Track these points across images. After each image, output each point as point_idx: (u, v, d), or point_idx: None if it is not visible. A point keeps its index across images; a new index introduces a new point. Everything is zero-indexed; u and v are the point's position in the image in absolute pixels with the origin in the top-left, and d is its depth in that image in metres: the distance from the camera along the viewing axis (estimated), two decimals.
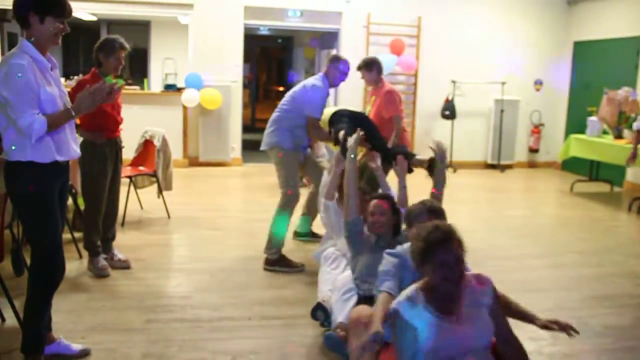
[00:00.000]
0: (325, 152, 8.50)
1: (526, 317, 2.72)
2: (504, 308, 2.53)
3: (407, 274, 2.87)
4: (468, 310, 2.36)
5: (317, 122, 4.82)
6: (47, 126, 2.76)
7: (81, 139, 4.51)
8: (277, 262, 4.69)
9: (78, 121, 4.44)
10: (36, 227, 2.89)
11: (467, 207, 7.16)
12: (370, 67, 5.53)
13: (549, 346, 3.51)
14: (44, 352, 3.02)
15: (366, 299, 3.14)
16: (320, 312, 3.42)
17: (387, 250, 3.06)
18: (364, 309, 2.97)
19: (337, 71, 4.92)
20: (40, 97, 2.77)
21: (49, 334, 3.16)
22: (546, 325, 2.62)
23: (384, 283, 2.86)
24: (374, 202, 3.59)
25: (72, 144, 3.00)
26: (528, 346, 3.38)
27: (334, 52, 9.94)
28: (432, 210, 3.09)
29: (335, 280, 3.57)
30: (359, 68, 5.59)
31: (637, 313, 4.09)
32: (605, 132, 8.07)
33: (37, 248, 2.94)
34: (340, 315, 3.23)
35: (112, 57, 4.29)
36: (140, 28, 12.09)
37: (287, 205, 4.81)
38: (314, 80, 4.91)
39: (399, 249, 3.05)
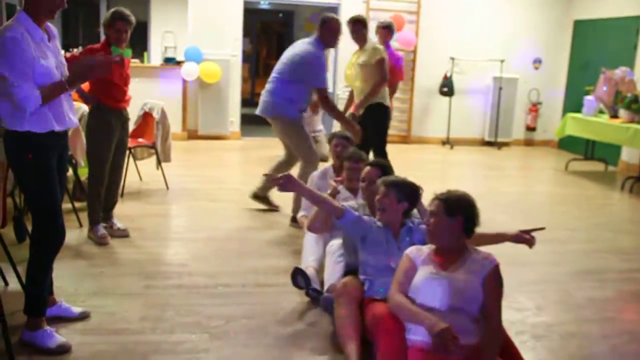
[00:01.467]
0: (322, 127, 8.58)
1: (499, 239, 3.17)
2: (477, 239, 2.86)
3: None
4: (463, 271, 2.63)
5: (326, 92, 5.03)
6: (42, 98, 2.78)
7: (89, 106, 4.59)
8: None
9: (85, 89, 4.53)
10: (35, 194, 2.96)
11: (463, 183, 7.25)
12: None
13: (532, 316, 3.64)
14: (46, 314, 3.13)
15: (352, 271, 3.26)
16: (300, 277, 3.52)
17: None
18: (351, 281, 3.10)
19: (329, 32, 4.99)
20: (35, 70, 2.77)
21: (51, 297, 3.27)
22: (517, 236, 3.09)
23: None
24: (367, 168, 3.57)
25: (69, 114, 3.04)
26: (512, 316, 3.53)
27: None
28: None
29: (331, 245, 3.63)
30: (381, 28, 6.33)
31: (620, 287, 4.21)
32: (601, 112, 8.13)
33: (37, 215, 3.01)
34: (332, 277, 3.35)
35: (112, 29, 4.36)
36: (140, 1, 12.05)
37: (309, 168, 4.95)
38: (310, 47, 4.95)
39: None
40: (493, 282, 2.61)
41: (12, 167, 3.09)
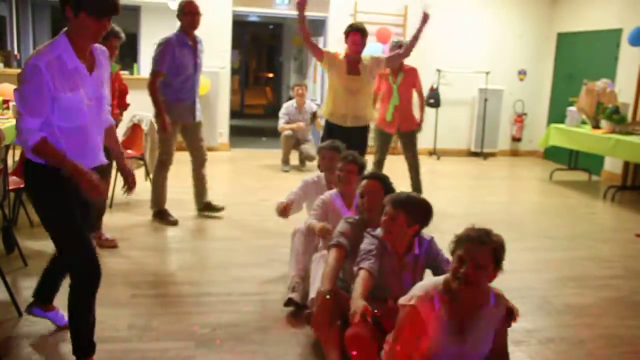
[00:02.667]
0: (311, 138, 8.69)
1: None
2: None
3: (388, 258, 2.98)
4: (478, 332, 2.42)
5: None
6: (41, 152, 2.58)
7: None
8: None
9: None
10: (55, 228, 2.78)
11: (449, 193, 7.37)
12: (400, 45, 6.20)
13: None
14: (39, 314, 3.30)
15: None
16: (293, 305, 3.60)
17: (369, 230, 3.11)
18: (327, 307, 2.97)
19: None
20: (56, 103, 2.54)
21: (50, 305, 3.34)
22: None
23: (365, 262, 2.90)
24: (364, 182, 3.36)
25: (95, 150, 2.82)
26: None
27: (321, 39, 10.08)
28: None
29: (317, 253, 3.67)
30: (393, 47, 6.32)
31: (599, 293, 4.31)
32: (584, 122, 8.28)
33: (61, 251, 2.88)
34: (315, 288, 3.41)
35: (107, 45, 4.41)
36: (130, 12, 12.13)
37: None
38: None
39: (378, 230, 3.06)
40: (505, 325, 2.52)
41: (29, 197, 2.92)
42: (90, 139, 2.76)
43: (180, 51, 5.27)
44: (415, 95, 6.52)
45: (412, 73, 6.43)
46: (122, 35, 4.53)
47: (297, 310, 3.61)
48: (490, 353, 2.50)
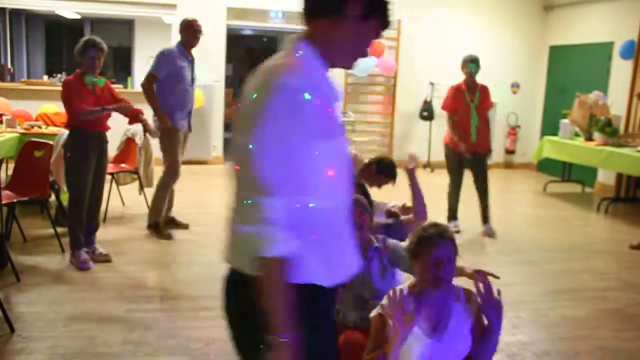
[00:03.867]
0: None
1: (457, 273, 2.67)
2: None
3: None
4: (452, 330, 2.38)
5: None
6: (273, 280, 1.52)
7: (67, 131, 4.66)
8: None
9: (66, 118, 4.59)
10: None
11: (443, 206, 7.36)
12: (478, 61, 6.19)
13: (508, 335, 3.71)
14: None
15: None
16: None
17: None
18: None
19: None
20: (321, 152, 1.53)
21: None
22: (471, 275, 2.64)
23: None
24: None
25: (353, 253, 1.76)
26: None
27: None
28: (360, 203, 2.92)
29: None
30: (464, 62, 6.15)
31: (594, 305, 4.32)
32: (577, 135, 8.32)
33: None
34: None
35: (86, 57, 4.45)
36: (124, 26, 12.19)
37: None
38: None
39: None
40: (479, 319, 2.45)
41: None
42: (344, 239, 1.73)
43: (181, 62, 5.43)
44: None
45: (486, 91, 6.20)
46: (104, 46, 4.54)
47: None
48: (472, 348, 2.45)
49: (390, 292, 2.44)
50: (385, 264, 2.96)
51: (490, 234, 6.14)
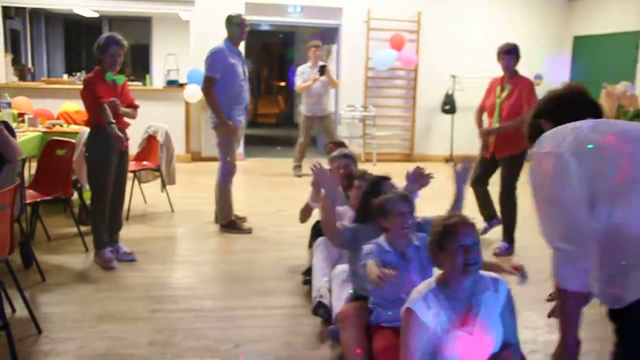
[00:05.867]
0: (331, 113, 8.61)
1: (493, 268, 2.77)
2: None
3: (387, 259, 2.88)
4: (483, 321, 2.34)
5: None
6: None
7: (88, 129, 4.62)
8: None
9: (86, 117, 4.54)
10: None
11: (468, 199, 7.22)
12: (511, 52, 5.22)
13: (544, 334, 3.60)
14: None
15: (362, 296, 3.17)
16: (322, 309, 3.49)
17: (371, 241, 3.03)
18: (355, 305, 3.04)
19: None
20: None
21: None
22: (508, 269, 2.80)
23: (367, 258, 2.86)
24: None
25: None
26: (525, 335, 3.48)
27: (334, 47, 10.03)
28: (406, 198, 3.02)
29: (336, 268, 3.60)
30: (499, 53, 5.26)
31: None
32: None
33: None
34: (338, 304, 3.32)
35: (107, 54, 4.39)
36: (142, 24, 12.17)
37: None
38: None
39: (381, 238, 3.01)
40: (509, 308, 2.44)
41: None
42: None
43: (232, 59, 5.40)
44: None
45: (521, 86, 5.15)
46: (126, 43, 4.47)
47: (324, 324, 3.51)
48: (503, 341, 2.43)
49: (416, 289, 2.44)
50: (425, 263, 2.92)
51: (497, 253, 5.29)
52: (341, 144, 4.81)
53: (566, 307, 2.04)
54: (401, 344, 2.41)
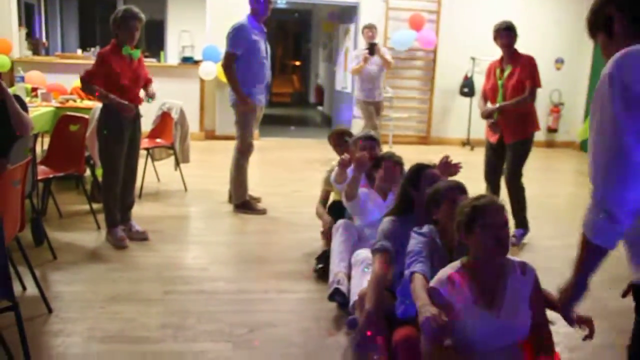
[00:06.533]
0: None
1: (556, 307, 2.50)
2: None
3: (437, 255, 2.73)
4: (509, 303, 2.30)
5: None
6: None
7: (100, 104, 4.53)
8: None
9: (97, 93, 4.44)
10: None
11: (483, 185, 7.11)
12: (511, 28, 4.98)
13: (565, 326, 3.48)
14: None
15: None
16: (338, 296, 3.40)
17: (416, 229, 2.86)
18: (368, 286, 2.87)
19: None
20: None
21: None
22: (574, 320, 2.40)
23: (416, 264, 2.64)
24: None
25: None
26: None
27: (352, 26, 9.84)
28: (462, 187, 2.94)
29: (357, 254, 3.50)
30: (498, 30, 4.97)
31: None
32: None
33: None
34: (358, 291, 3.22)
35: (125, 27, 4.28)
36: (157, 0, 12.05)
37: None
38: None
39: (425, 228, 2.83)
40: (538, 293, 2.39)
41: None
42: None
43: (255, 35, 5.26)
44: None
45: (522, 65, 4.88)
46: (142, 16, 4.36)
47: (341, 309, 3.42)
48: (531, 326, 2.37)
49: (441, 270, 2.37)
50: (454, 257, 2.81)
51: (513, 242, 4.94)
52: (346, 133, 4.68)
53: (587, 259, 1.89)
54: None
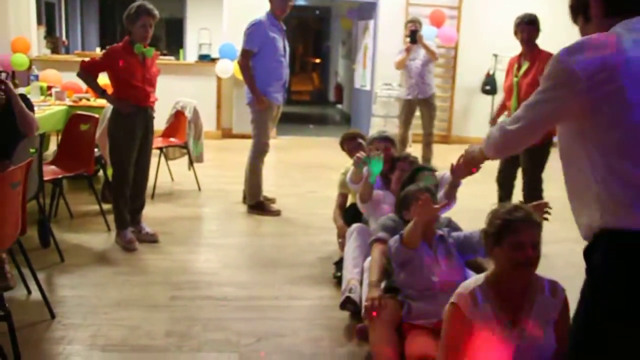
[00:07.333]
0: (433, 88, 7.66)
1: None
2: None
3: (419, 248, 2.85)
4: (534, 326, 2.15)
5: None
6: None
7: (111, 106, 4.44)
8: None
9: (109, 89, 4.35)
10: None
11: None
12: (534, 22, 4.66)
13: None
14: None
15: (393, 289, 2.95)
16: (350, 305, 3.25)
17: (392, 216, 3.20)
18: (385, 303, 2.81)
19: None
20: None
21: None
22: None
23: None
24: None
25: None
26: None
27: (371, 23, 9.67)
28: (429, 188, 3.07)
29: (368, 261, 3.37)
30: (520, 24, 4.66)
31: None
32: None
33: None
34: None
35: (138, 24, 4.16)
36: None
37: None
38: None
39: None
40: (565, 317, 2.18)
41: None
42: None
43: (272, 33, 5.14)
44: None
45: (542, 60, 4.44)
46: (156, 12, 4.22)
47: (353, 318, 3.27)
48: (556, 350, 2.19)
49: (463, 284, 2.27)
50: (452, 251, 2.86)
51: None
52: (358, 136, 4.42)
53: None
54: (441, 341, 2.23)
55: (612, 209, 1.59)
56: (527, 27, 4.62)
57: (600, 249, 1.63)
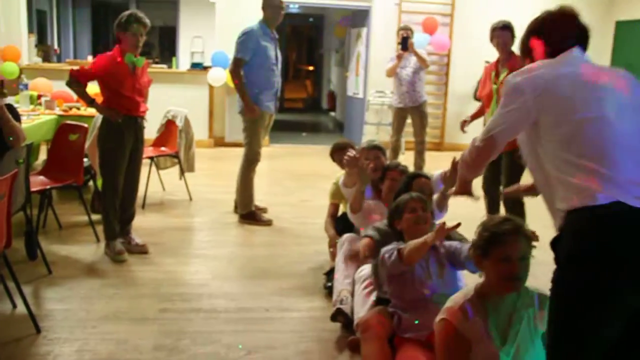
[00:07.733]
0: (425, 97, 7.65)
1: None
2: None
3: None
4: (524, 339, 2.13)
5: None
6: None
7: (101, 116, 4.39)
8: None
9: (99, 98, 4.30)
10: None
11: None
12: (508, 27, 4.64)
13: None
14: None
15: (385, 300, 2.92)
16: (341, 317, 3.22)
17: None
18: (377, 315, 2.80)
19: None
20: None
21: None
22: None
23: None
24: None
25: None
26: None
27: (364, 30, 9.67)
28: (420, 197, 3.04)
29: (361, 270, 3.33)
30: (495, 30, 4.65)
31: None
32: None
33: None
34: (361, 311, 3.03)
35: (128, 33, 4.12)
36: (169, 6, 11.97)
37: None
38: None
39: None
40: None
41: None
42: None
43: (264, 41, 5.12)
44: None
45: (520, 67, 4.50)
46: (147, 21, 4.18)
47: (345, 330, 3.23)
48: None
49: (451, 298, 2.26)
50: (444, 261, 2.81)
51: None
52: (348, 147, 4.31)
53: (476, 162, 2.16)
54: (437, 357, 2.23)
55: (572, 194, 1.81)
56: (502, 32, 4.62)
57: (565, 232, 1.82)
